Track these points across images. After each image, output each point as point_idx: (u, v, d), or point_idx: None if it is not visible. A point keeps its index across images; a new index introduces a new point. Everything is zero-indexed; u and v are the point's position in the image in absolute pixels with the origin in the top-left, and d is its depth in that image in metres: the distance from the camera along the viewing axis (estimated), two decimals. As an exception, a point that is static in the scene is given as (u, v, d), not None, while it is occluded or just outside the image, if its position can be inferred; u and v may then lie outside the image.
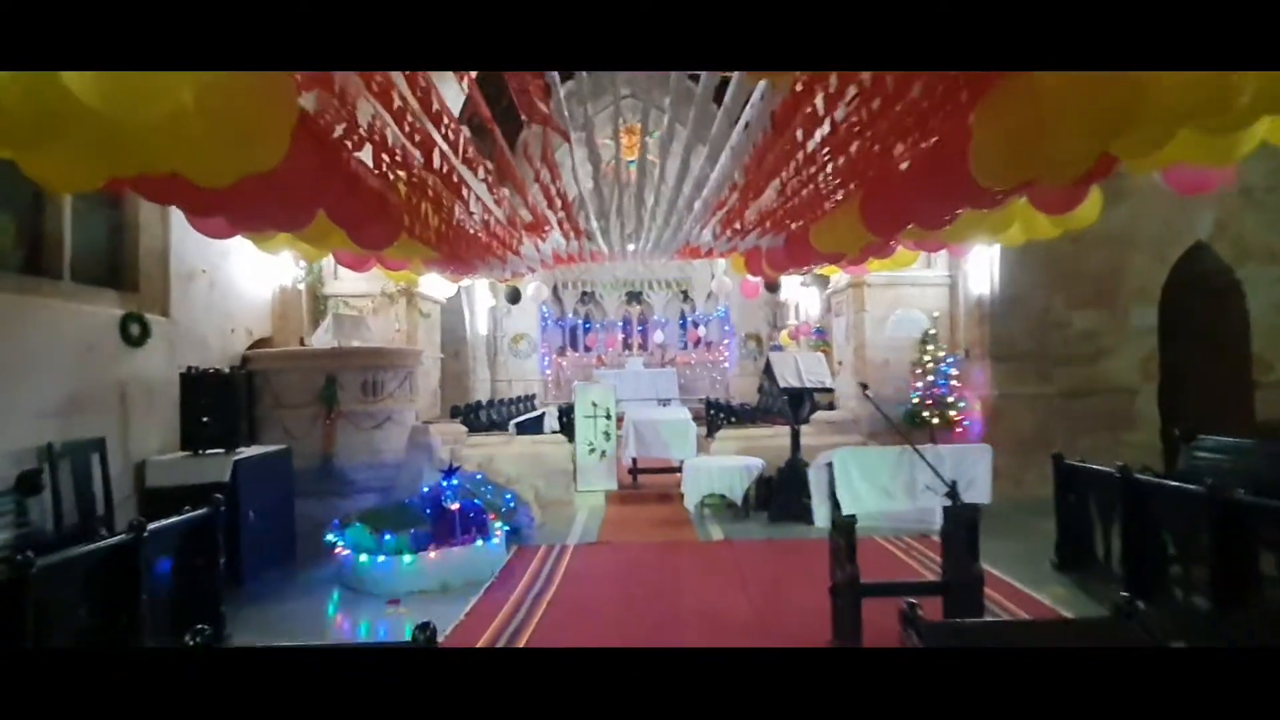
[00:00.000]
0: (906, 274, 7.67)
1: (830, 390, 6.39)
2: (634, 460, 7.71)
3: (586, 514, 6.97)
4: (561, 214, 4.95)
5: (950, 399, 7.16)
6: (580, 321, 19.35)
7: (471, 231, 4.42)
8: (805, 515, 6.29)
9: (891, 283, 7.76)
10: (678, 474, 7.85)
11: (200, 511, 3.71)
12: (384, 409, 6.47)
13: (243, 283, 6.50)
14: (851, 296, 8.01)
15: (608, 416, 7.66)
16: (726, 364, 17.08)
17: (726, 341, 17.10)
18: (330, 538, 5.07)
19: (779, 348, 14.07)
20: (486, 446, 7.62)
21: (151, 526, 3.34)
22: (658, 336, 18.51)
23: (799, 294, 12.88)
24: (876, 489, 2.85)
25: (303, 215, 2.81)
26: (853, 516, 3.10)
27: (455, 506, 5.37)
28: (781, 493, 6.48)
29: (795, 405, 6.52)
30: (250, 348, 6.54)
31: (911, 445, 2.96)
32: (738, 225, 4.70)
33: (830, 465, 2.82)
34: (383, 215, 2.98)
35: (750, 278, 7.82)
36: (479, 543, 4.97)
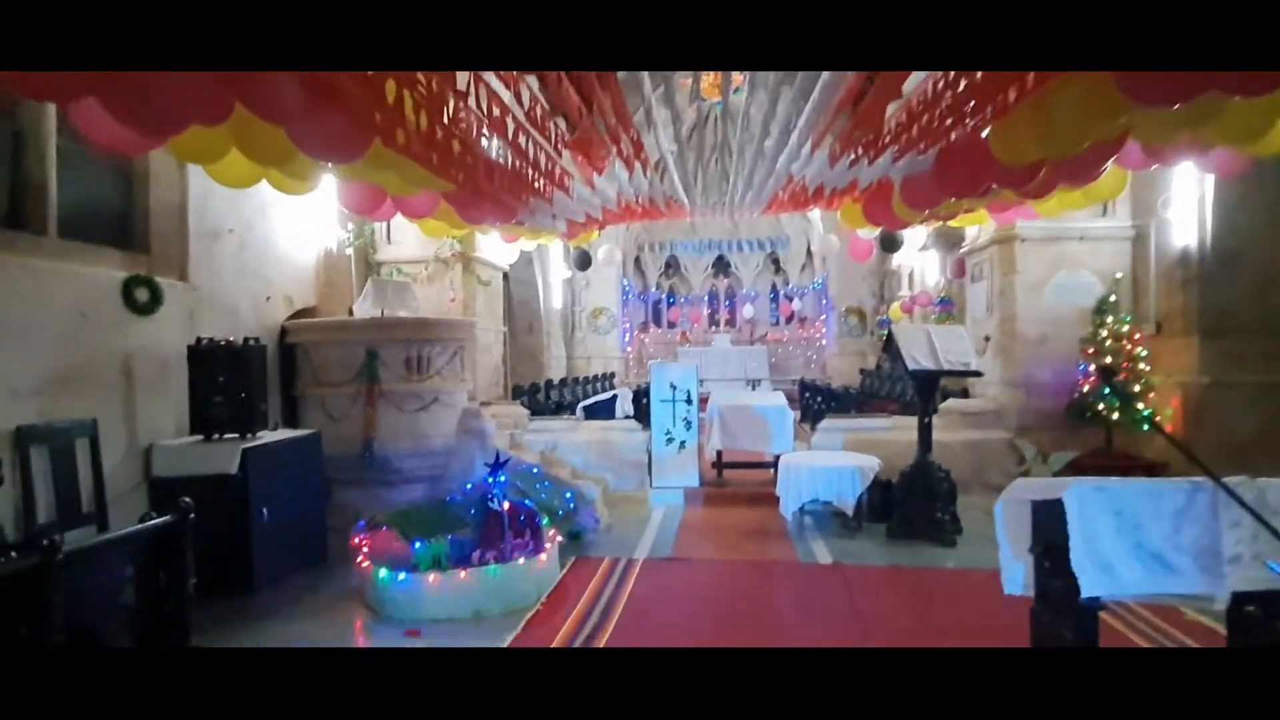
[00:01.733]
0: (1073, 224, 5.98)
1: (977, 374, 4.93)
2: (719, 453, 6.54)
3: (661, 517, 5.90)
4: (628, 147, 3.81)
5: (1136, 388, 5.47)
6: (664, 295, 18.23)
7: (494, 156, 3.36)
8: (937, 533, 4.93)
9: (1053, 236, 6.08)
10: (771, 470, 6.63)
11: (159, 521, 2.91)
12: (431, 388, 5.64)
13: (281, 245, 5.82)
14: (997, 256, 6.38)
15: (689, 401, 6.52)
16: (823, 341, 15.43)
17: (824, 317, 15.43)
18: (356, 541, 4.28)
19: (887, 322, 12.36)
20: (549, 432, 6.69)
21: (78, 544, 2.56)
22: (747, 311, 17.07)
23: (914, 259, 11.12)
24: (1143, 556, 1.60)
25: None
26: (1097, 602, 1.82)
27: (506, 507, 4.46)
28: (906, 503, 5.14)
29: (926, 392, 5.11)
30: (292, 318, 5.88)
31: (1214, 477, 1.62)
32: (865, 143, 3.37)
33: (1045, 507, 1.67)
34: (332, 107, 1.97)
35: (863, 234, 6.37)
36: (521, 560, 3.99)
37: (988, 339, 6.36)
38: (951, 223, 5.70)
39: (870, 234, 6.48)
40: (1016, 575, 2.17)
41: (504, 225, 4.39)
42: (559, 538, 4.49)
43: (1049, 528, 1.94)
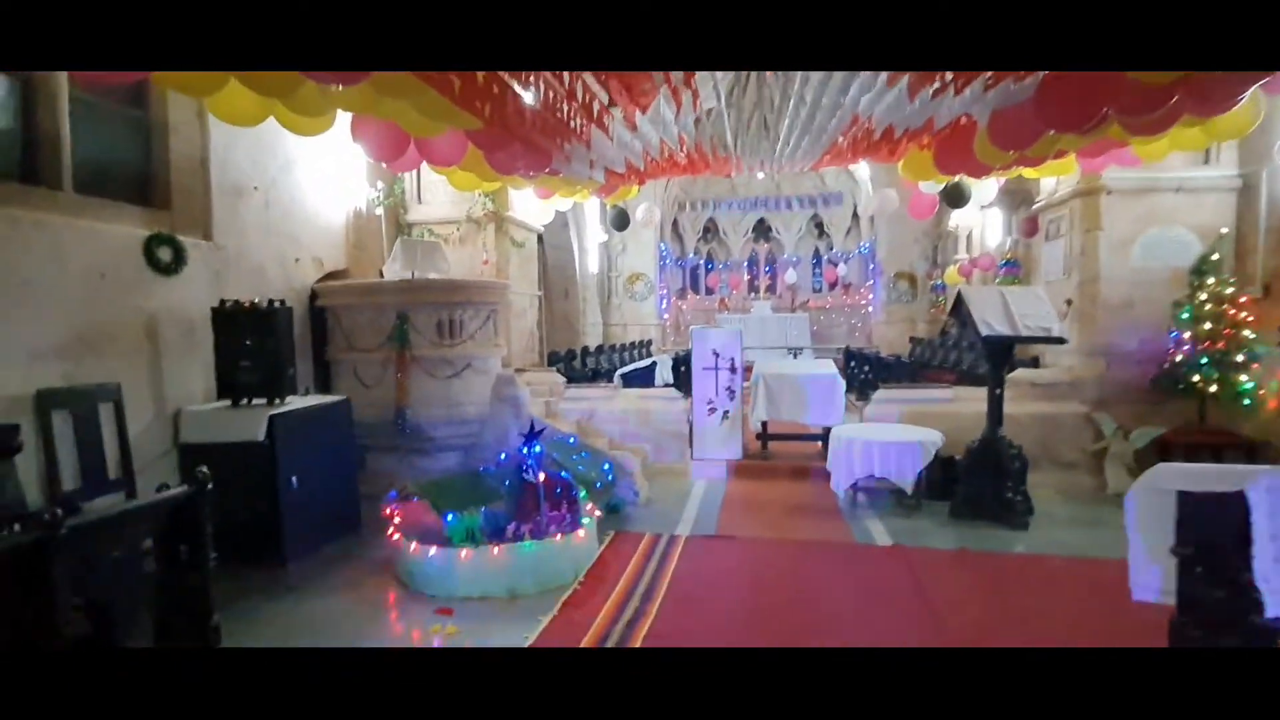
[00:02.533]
0: (1168, 174, 5.33)
1: (1060, 341, 4.43)
2: (764, 424, 6.19)
3: (704, 490, 5.60)
4: (677, 77, 3.37)
5: (1238, 358, 4.89)
6: (702, 261, 17.69)
7: (525, 92, 2.95)
8: (1007, 514, 4.52)
9: (1144, 187, 5.44)
10: (818, 443, 6.26)
11: (176, 492, 2.73)
12: (463, 354, 5.40)
13: (308, 203, 5.60)
14: (1079, 210, 5.77)
15: (732, 369, 6.16)
16: (869, 308, 14.77)
17: (870, 282, 14.74)
18: (387, 512, 4.10)
19: (942, 287, 11.69)
20: (586, 401, 6.43)
21: (83, 518, 2.38)
22: (789, 276, 16.45)
23: (973, 220, 10.39)
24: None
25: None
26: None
27: (541, 479, 4.22)
28: (971, 480, 4.72)
29: (998, 360, 4.64)
30: (322, 281, 5.68)
31: None
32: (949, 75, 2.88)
33: (1205, 501, 1.33)
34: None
35: (926, 187, 5.82)
36: (558, 536, 3.74)
37: (1070, 302, 5.79)
38: (1030, 172, 5.13)
39: (934, 188, 5.93)
40: (1151, 580, 1.80)
41: (538, 176, 4.05)
42: (597, 512, 4.23)
43: (1208, 525, 1.56)
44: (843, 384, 5.97)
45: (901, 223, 12.47)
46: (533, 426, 4.46)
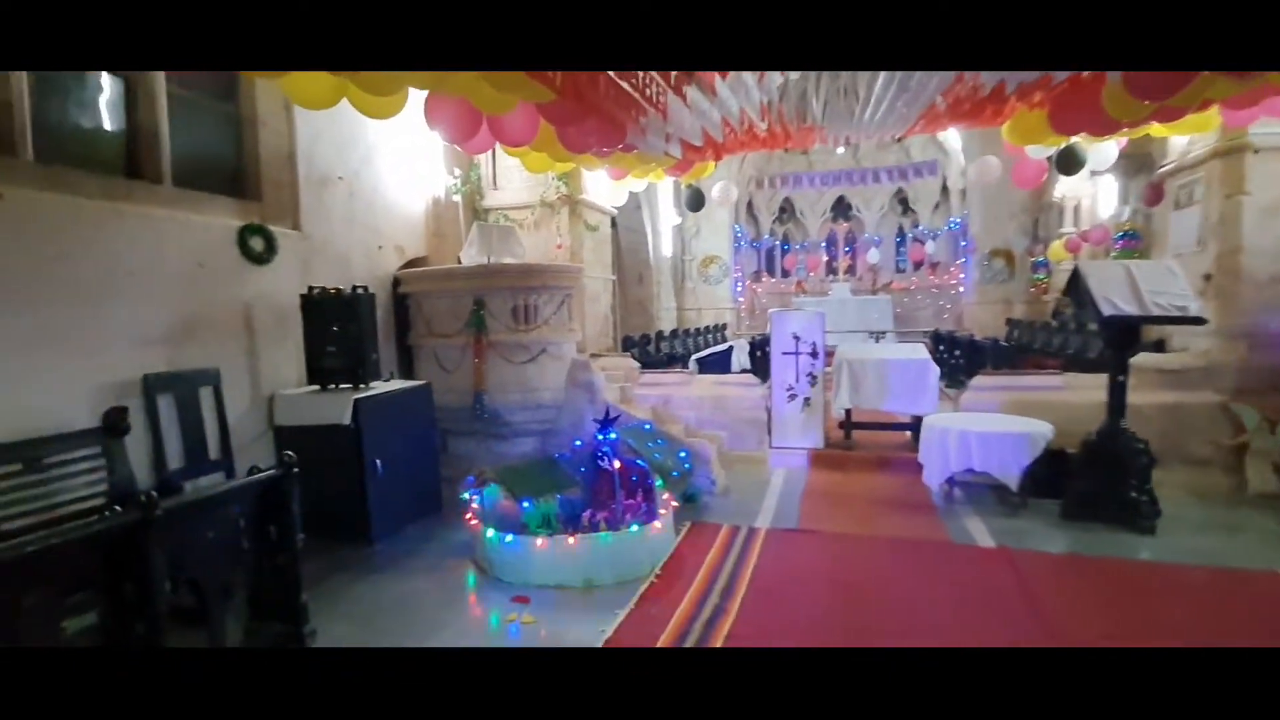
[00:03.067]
0: (1334, 128, 4.58)
1: (1198, 321, 3.90)
2: (847, 412, 5.87)
3: (783, 481, 5.37)
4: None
5: None
6: (777, 242, 17.17)
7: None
8: (1129, 516, 4.06)
9: (1302, 145, 4.72)
10: (906, 433, 5.89)
11: (264, 474, 2.79)
12: (538, 339, 5.38)
13: (389, 193, 5.71)
14: (1218, 172, 5.07)
15: (814, 354, 5.86)
16: (960, 289, 13.88)
17: (961, 261, 13.83)
18: (464, 495, 4.13)
19: (1044, 264, 10.80)
20: (662, 386, 6.30)
21: (178, 499, 2.47)
22: (871, 256, 15.70)
23: (1081, 189, 9.49)
24: None
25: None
26: None
27: (617, 466, 4.14)
28: (1086, 477, 4.27)
29: (1123, 344, 4.16)
30: (403, 268, 5.80)
31: None
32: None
33: None
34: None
35: (1034, 151, 5.29)
36: (634, 527, 3.64)
37: (1209, 277, 5.14)
38: (1161, 129, 4.52)
39: (1043, 153, 5.37)
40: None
41: (611, 153, 3.91)
42: (674, 502, 4.11)
43: None
44: (936, 370, 5.56)
45: (999, 195, 11.60)
46: (608, 413, 4.37)
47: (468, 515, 3.94)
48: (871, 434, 6.08)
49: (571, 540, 3.48)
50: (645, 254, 11.41)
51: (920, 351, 5.83)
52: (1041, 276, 10.76)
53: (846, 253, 16.99)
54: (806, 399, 5.88)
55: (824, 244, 16.94)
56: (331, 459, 4.16)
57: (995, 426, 4.61)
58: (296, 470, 2.89)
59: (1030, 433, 4.43)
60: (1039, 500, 4.48)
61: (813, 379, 5.86)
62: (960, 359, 7.87)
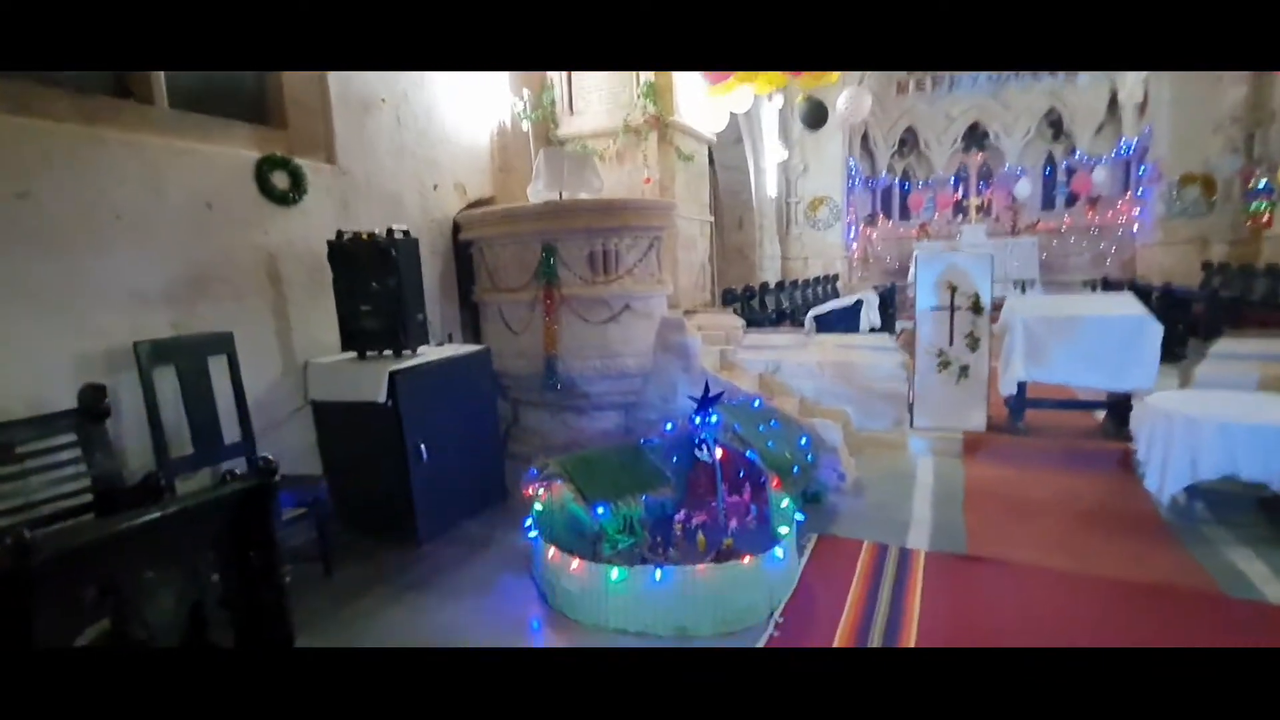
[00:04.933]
0: None
1: None
2: (1021, 385, 4.50)
3: (932, 475, 4.17)
4: None
5: None
6: (896, 180, 15.10)
7: None
8: None
9: None
10: (1096, 414, 4.48)
11: (232, 489, 2.00)
12: (620, 293, 4.39)
13: (447, 121, 4.81)
14: None
15: (976, 308, 4.50)
16: (1132, 227, 11.49)
17: (1135, 193, 11.39)
18: (529, 492, 3.28)
19: (1267, 190, 8.48)
20: (770, 350, 5.17)
21: (65, 543, 1.71)
22: (1020, 189, 13.40)
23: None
24: None
25: None
26: None
27: (720, 455, 3.18)
28: None
29: None
30: (466, 210, 4.94)
31: None
32: None
33: None
34: None
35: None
36: (745, 559, 2.62)
37: None
38: None
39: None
40: None
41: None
42: (797, 515, 3.04)
43: None
44: (1158, 329, 4.07)
45: (1198, 105, 9.23)
46: (707, 390, 3.35)
47: (528, 523, 3.08)
48: (1049, 415, 4.69)
49: (658, 574, 2.52)
50: (746, 195, 10.05)
51: (1131, 304, 4.33)
52: (1261, 206, 8.44)
53: (980, 189, 14.71)
54: (964, 368, 4.57)
55: (952, 180, 14.74)
56: (370, 442, 3.43)
57: (1263, 412, 3.17)
58: (278, 478, 2.09)
59: (1337, 426, 2.98)
60: (1338, 523, 3.06)
61: (974, 342, 4.53)
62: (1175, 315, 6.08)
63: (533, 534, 2.96)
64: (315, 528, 3.18)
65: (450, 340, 4.43)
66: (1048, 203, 14.03)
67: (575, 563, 2.63)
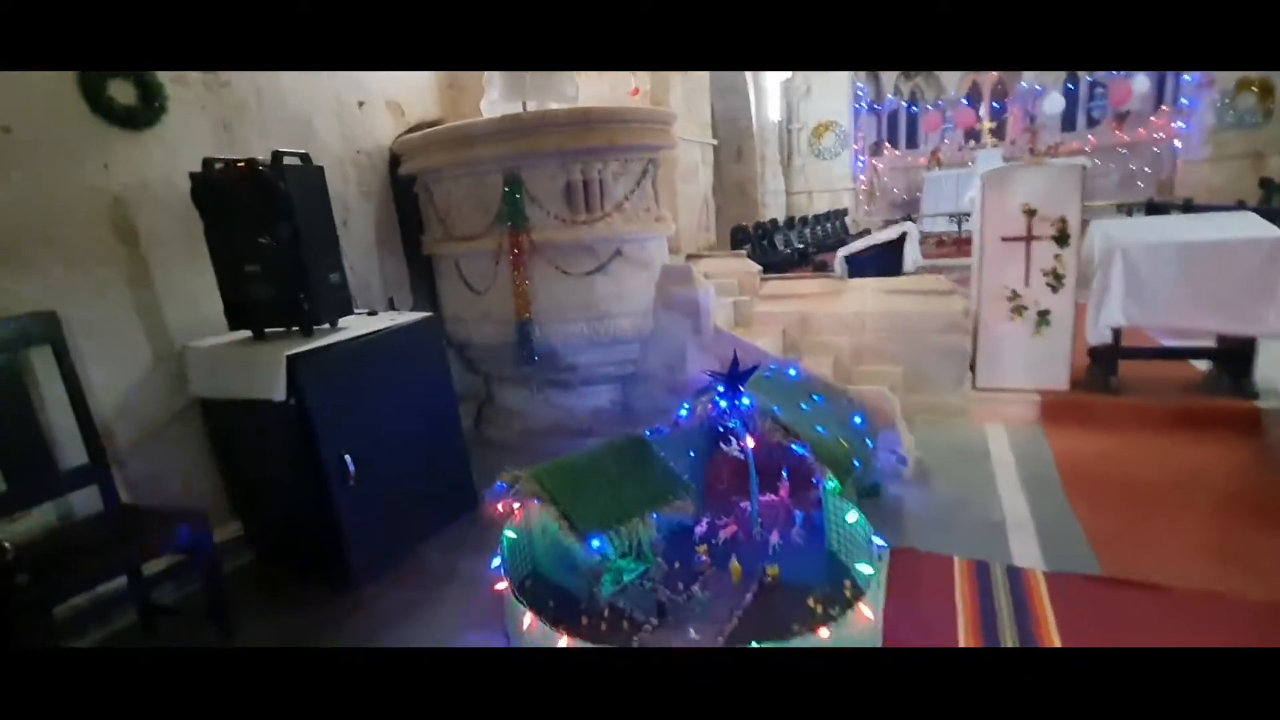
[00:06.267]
0: None
1: None
2: (1115, 333, 3.59)
3: (1010, 451, 3.30)
4: None
5: None
6: (903, 104, 13.84)
7: None
8: None
9: None
10: (1198, 364, 3.62)
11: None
12: (608, 234, 3.41)
13: (372, 20, 3.69)
14: None
15: (1060, 238, 3.55)
16: (1175, 142, 10.40)
17: (1178, 105, 10.25)
18: (498, 511, 2.36)
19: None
20: (793, 299, 4.23)
21: None
22: (1050, 104, 12.22)
23: None
24: None
25: None
26: None
27: (751, 445, 2.35)
28: None
29: None
30: (404, 135, 3.86)
31: None
32: None
33: None
34: None
35: None
36: (823, 632, 1.74)
37: None
38: None
39: None
40: None
41: None
42: (876, 541, 2.15)
43: None
44: (1303, 255, 3.14)
45: None
46: (735, 364, 2.43)
47: (495, 563, 2.20)
48: (1142, 367, 3.80)
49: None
50: (746, 121, 8.88)
51: (1259, 226, 3.39)
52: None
53: (994, 110, 13.50)
54: (1043, 313, 3.64)
55: (965, 100, 13.53)
56: (274, 455, 2.52)
57: None
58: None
59: None
60: None
61: (1056, 280, 3.59)
62: None
63: (502, 584, 2.08)
64: (202, 577, 2.30)
65: (393, 307, 3.45)
66: (1068, 124, 12.88)
67: (564, 639, 1.75)
